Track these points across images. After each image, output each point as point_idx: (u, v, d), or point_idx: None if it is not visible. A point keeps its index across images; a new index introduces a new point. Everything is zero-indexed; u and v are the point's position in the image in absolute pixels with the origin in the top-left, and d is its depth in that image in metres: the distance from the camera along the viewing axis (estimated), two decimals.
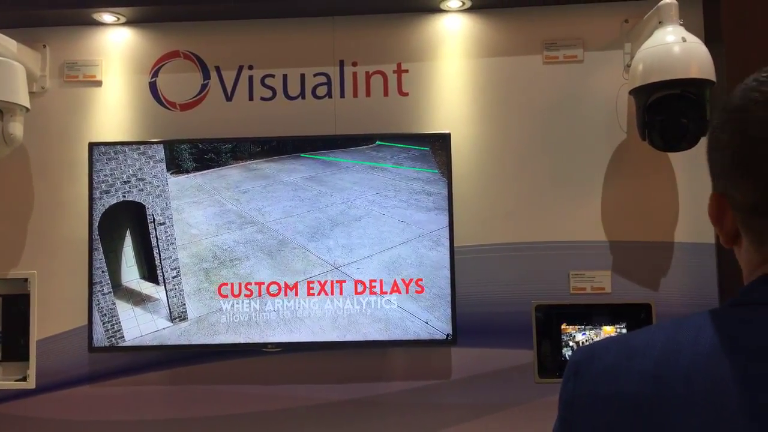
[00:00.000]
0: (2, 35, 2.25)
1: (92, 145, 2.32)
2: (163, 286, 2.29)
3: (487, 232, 2.38)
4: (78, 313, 2.37)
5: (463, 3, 2.38)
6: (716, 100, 2.12)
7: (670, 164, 2.36)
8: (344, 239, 2.28)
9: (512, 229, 2.38)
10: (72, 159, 2.44)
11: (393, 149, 2.31)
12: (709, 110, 2.09)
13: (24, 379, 2.40)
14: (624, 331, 2.31)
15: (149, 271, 2.31)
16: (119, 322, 2.28)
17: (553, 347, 2.33)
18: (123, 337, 2.28)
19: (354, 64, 2.45)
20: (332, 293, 2.27)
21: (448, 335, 2.25)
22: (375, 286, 2.27)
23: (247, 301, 2.28)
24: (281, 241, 2.29)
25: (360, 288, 2.27)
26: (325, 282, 2.27)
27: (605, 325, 2.32)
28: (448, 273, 2.26)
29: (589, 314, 2.33)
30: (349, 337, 2.26)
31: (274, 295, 2.27)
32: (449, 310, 2.25)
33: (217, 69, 2.47)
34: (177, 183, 2.31)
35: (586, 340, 2.32)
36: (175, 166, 2.31)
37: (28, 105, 2.28)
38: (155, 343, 2.28)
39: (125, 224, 2.32)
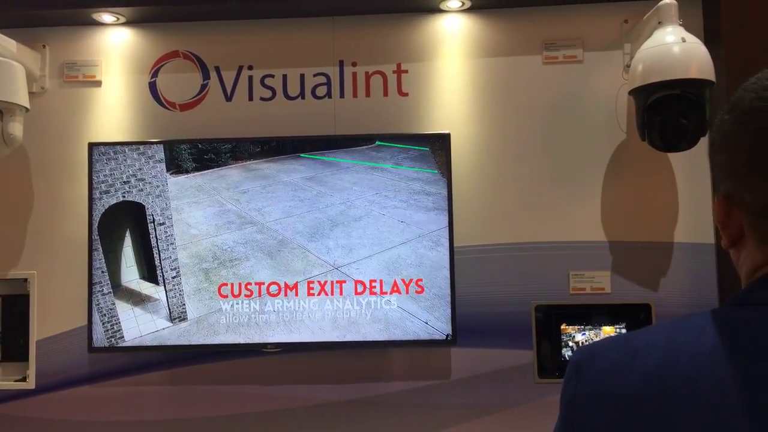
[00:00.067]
0: (2, 35, 2.25)
1: (92, 146, 2.32)
2: (162, 287, 2.29)
3: (487, 233, 2.38)
4: (78, 314, 2.37)
5: (463, 3, 2.38)
6: (716, 101, 2.13)
7: (670, 164, 2.37)
8: (344, 239, 2.28)
9: (512, 230, 2.38)
10: (72, 159, 2.44)
11: (393, 149, 2.32)
12: (709, 110, 2.09)
13: (24, 379, 2.40)
14: (624, 331, 2.31)
15: (149, 271, 2.31)
16: (119, 323, 2.28)
17: (552, 347, 2.33)
18: (123, 337, 2.28)
19: (354, 65, 2.45)
20: (332, 293, 2.27)
21: (447, 335, 2.25)
22: (375, 287, 2.27)
23: (247, 301, 2.28)
24: (281, 242, 2.29)
25: (360, 288, 2.27)
26: (325, 282, 2.27)
27: (605, 325, 2.32)
28: (447, 273, 2.26)
29: (588, 314, 2.33)
30: (348, 338, 2.26)
31: (273, 296, 2.28)
32: (449, 311, 2.25)
33: (217, 69, 2.47)
34: (177, 183, 2.31)
35: (586, 341, 2.32)
36: (175, 166, 2.31)
37: (27, 105, 2.28)
38: (155, 343, 2.28)
39: (125, 224, 2.32)
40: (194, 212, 2.31)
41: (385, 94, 2.44)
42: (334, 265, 2.28)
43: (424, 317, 2.25)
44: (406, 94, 2.43)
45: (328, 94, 2.45)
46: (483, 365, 2.35)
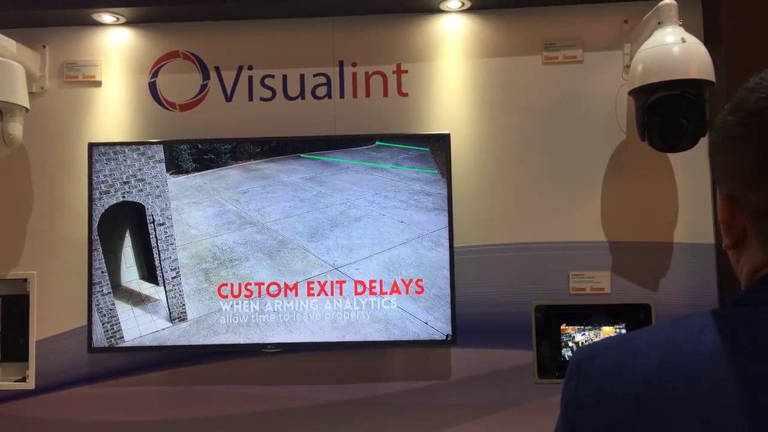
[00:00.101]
0: (2, 35, 2.25)
1: (92, 146, 2.32)
2: (162, 287, 2.29)
3: (487, 233, 2.38)
4: (77, 314, 2.37)
5: (463, 3, 2.38)
6: (716, 101, 2.13)
7: (670, 165, 2.37)
8: (344, 240, 2.28)
9: (512, 230, 2.38)
10: (71, 159, 2.44)
11: (392, 150, 2.32)
12: (709, 111, 2.09)
13: (23, 379, 2.40)
14: (623, 331, 2.31)
15: (149, 271, 2.31)
16: (119, 323, 2.28)
17: (552, 348, 2.33)
18: (122, 337, 2.28)
19: (354, 65, 2.45)
20: (332, 294, 2.27)
21: (447, 336, 2.25)
22: (375, 287, 2.27)
23: (247, 301, 2.28)
24: (281, 242, 2.29)
25: (360, 288, 2.27)
26: (325, 282, 2.27)
27: (605, 325, 2.32)
28: (447, 273, 2.26)
29: (588, 315, 2.33)
30: (348, 338, 2.26)
31: (273, 296, 2.28)
32: (449, 311, 2.25)
33: (217, 69, 2.47)
34: (176, 183, 2.31)
35: (586, 341, 2.32)
36: (175, 166, 2.31)
37: (27, 105, 2.28)
38: (155, 343, 2.28)
39: (125, 225, 2.32)
40: (194, 212, 2.31)
41: (385, 94, 2.44)
42: (334, 266, 2.28)
43: (423, 317, 2.25)
44: (406, 95, 2.43)
45: (328, 95, 2.45)
46: (483, 365, 2.35)
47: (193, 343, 2.28)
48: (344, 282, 2.27)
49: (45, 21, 2.45)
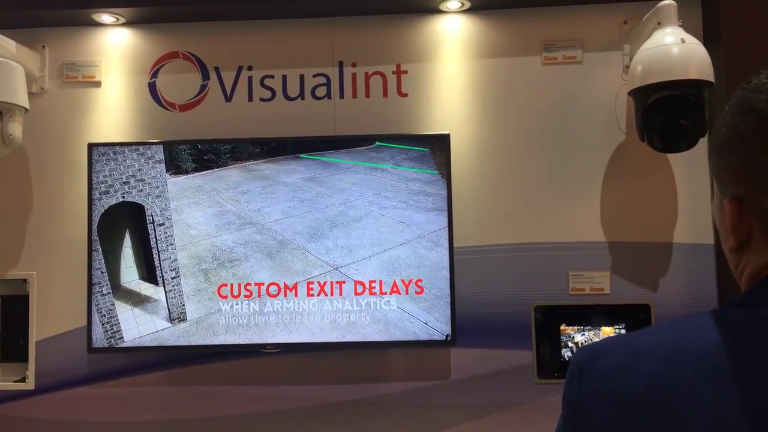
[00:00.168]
0: (1, 36, 2.25)
1: (91, 146, 2.32)
2: (162, 287, 2.29)
3: (487, 233, 2.38)
4: (77, 314, 2.36)
5: (462, 4, 2.38)
6: (715, 101, 2.13)
7: (669, 165, 2.37)
8: (344, 240, 2.28)
9: (511, 230, 2.38)
10: (71, 160, 2.44)
11: (392, 150, 2.32)
12: (708, 111, 2.09)
13: (23, 380, 2.40)
14: (623, 332, 2.31)
15: (148, 271, 2.31)
16: (118, 323, 2.28)
17: (552, 348, 2.33)
18: (122, 337, 2.28)
19: (353, 65, 2.45)
20: (332, 294, 2.27)
21: (447, 336, 2.25)
22: (374, 287, 2.27)
23: (247, 301, 2.28)
24: (281, 242, 2.29)
25: (359, 289, 2.27)
26: (325, 283, 2.27)
27: (604, 325, 2.32)
28: (447, 274, 2.26)
29: (588, 315, 2.33)
30: (348, 338, 2.26)
31: (273, 296, 2.28)
32: (448, 311, 2.25)
33: (217, 70, 2.47)
34: (176, 184, 2.31)
35: (585, 341, 2.32)
36: (175, 166, 2.31)
37: (27, 106, 2.28)
38: (154, 343, 2.28)
39: (124, 225, 2.32)
40: (194, 213, 2.31)
41: (385, 94, 2.44)
42: (334, 266, 2.28)
43: (423, 318, 2.25)
44: (406, 95, 2.43)
45: (328, 95, 2.45)
46: (482, 366, 2.35)
47: (192, 344, 2.28)
48: (344, 282, 2.27)
49: (45, 21, 2.45)
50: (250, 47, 2.47)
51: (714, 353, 0.67)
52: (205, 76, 2.46)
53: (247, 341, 2.27)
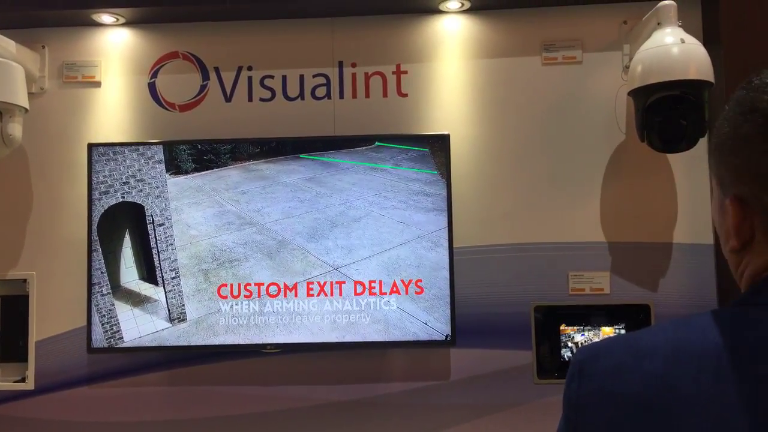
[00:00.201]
0: (1, 36, 2.25)
1: (91, 146, 2.32)
2: (162, 287, 2.29)
3: (486, 233, 2.38)
4: (77, 314, 2.36)
5: (462, 4, 2.38)
6: (715, 102, 2.13)
7: (669, 165, 2.37)
8: (343, 240, 2.28)
9: (511, 230, 2.38)
10: (71, 160, 2.44)
11: (392, 150, 2.32)
12: (708, 111, 2.09)
13: (23, 380, 2.40)
14: (623, 332, 2.31)
15: (148, 272, 2.31)
16: (118, 323, 2.28)
17: (552, 348, 2.33)
18: (122, 338, 2.28)
19: (353, 65, 2.45)
20: (331, 294, 2.27)
21: (447, 336, 2.25)
22: (374, 287, 2.27)
23: (247, 302, 2.28)
24: (280, 242, 2.29)
25: (359, 289, 2.27)
26: (325, 283, 2.27)
27: (604, 326, 2.32)
28: (447, 274, 2.26)
29: (587, 315, 2.33)
30: (348, 338, 2.26)
31: (273, 296, 2.28)
32: (448, 311, 2.25)
33: (216, 70, 2.47)
34: (176, 184, 2.31)
35: (585, 341, 2.32)
36: (174, 167, 2.31)
37: (27, 106, 2.28)
38: (154, 344, 2.28)
39: (124, 225, 2.32)
40: (194, 213, 2.31)
41: (385, 95, 2.44)
42: (334, 266, 2.28)
43: (423, 318, 2.25)
44: (406, 95, 2.43)
45: (328, 95, 2.45)
46: (482, 366, 2.35)
47: (192, 344, 2.28)
48: (344, 282, 2.27)
49: (44, 21, 2.45)
50: (249, 47, 2.47)
51: (716, 353, 0.67)
52: (205, 77, 2.47)
53: (247, 341, 2.27)
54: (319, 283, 2.27)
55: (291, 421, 2.37)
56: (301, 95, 2.45)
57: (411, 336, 2.25)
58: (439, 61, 2.44)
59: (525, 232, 2.38)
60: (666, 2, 2.13)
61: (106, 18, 2.42)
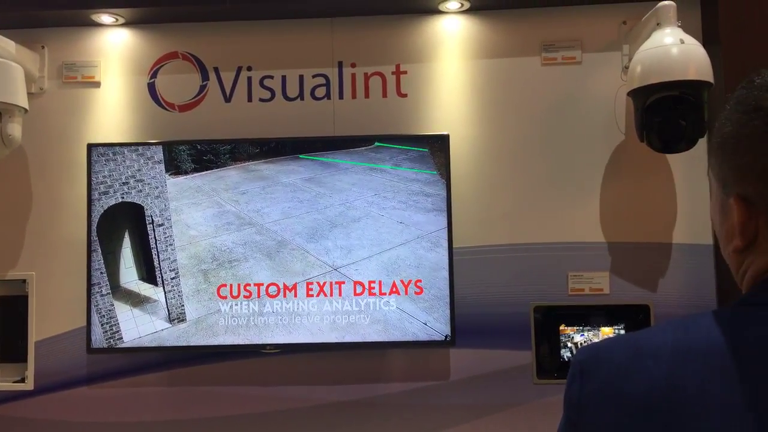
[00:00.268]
0: (1, 36, 2.25)
1: (91, 146, 2.32)
2: (161, 288, 2.29)
3: (486, 234, 2.38)
4: (76, 315, 2.36)
5: (462, 4, 2.38)
6: (714, 102, 2.13)
7: (668, 166, 2.37)
8: (343, 240, 2.28)
9: (511, 231, 2.38)
10: (70, 160, 2.44)
11: (392, 150, 2.32)
12: (707, 112, 2.09)
13: (22, 380, 2.40)
14: (622, 332, 2.32)
15: (148, 272, 2.31)
16: (118, 324, 2.28)
17: (551, 348, 2.34)
18: (121, 338, 2.28)
19: (353, 66, 2.45)
20: (331, 294, 2.27)
21: (446, 336, 2.25)
22: (374, 288, 2.27)
23: (246, 302, 2.28)
24: (280, 243, 2.29)
25: (359, 289, 2.27)
26: (324, 283, 2.27)
27: (603, 326, 2.32)
28: (446, 274, 2.26)
29: (587, 315, 2.33)
30: (348, 339, 2.26)
31: (273, 297, 2.28)
32: (448, 311, 2.25)
33: (216, 70, 2.47)
34: (176, 184, 2.31)
35: (585, 342, 2.32)
36: (174, 167, 2.31)
37: (26, 106, 2.28)
38: (154, 344, 2.28)
39: (124, 225, 2.32)
40: (193, 213, 2.31)
41: (384, 95, 2.44)
42: (333, 266, 2.28)
43: (423, 318, 2.25)
44: (405, 96, 2.43)
45: (327, 95, 2.45)
46: (482, 366, 2.35)
47: (192, 344, 2.27)
48: (343, 283, 2.27)
49: (44, 21, 2.45)
50: (249, 47, 2.47)
51: (720, 353, 0.67)
52: (205, 77, 2.47)
53: (247, 342, 2.27)
54: (318, 283, 2.27)
55: (291, 422, 2.37)
56: (301, 95, 2.45)
57: (410, 336, 2.25)
58: (438, 62, 2.44)
59: (524, 232, 2.38)
60: (665, 2, 2.13)
61: (105, 18, 2.42)
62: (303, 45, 2.46)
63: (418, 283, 2.27)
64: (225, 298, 2.28)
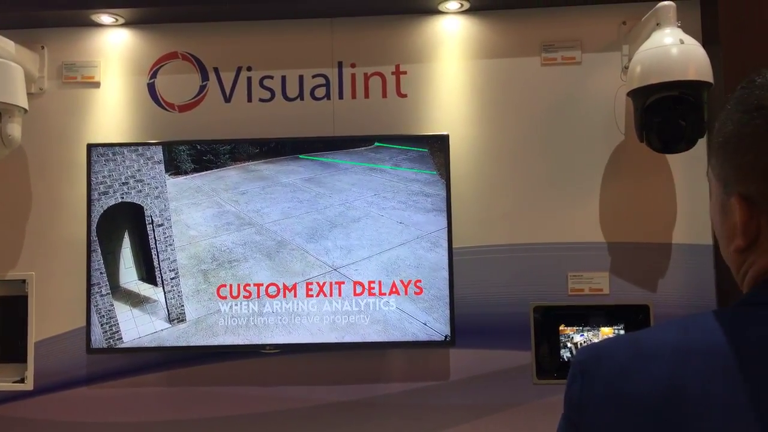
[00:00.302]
0: (0, 36, 2.25)
1: (90, 147, 2.32)
2: (161, 288, 2.29)
3: (486, 234, 2.38)
4: (76, 315, 2.36)
5: (462, 5, 2.38)
6: (714, 102, 2.13)
7: (668, 166, 2.37)
8: (343, 240, 2.28)
9: (510, 231, 2.38)
10: (70, 160, 2.44)
11: (391, 150, 2.32)
12: (707, 112, 2.09)
13: (22, 380, 2.40)
14: (622, 332, 2.32)
15: (147, 272, 2.31)
16: (117, 324, 2.28)
17: (551, 348, 2.34)
18: (121, 338, 2.28)
19: (352, 66, 2.45)
20: (331, 295, 2.27)
21: (446, 336, 2.25)
22: (374, 288, 2.27)
23: (246, 302, 2.28)
24: (280, 243, 2.29)
25: (359, 289, 2.27)
26: (324, 283, 2.27)
27: (603, 326, 2.32)
28: (446, 274, 2.26)
29: (587, 315, 2.33)
30: (347, 339, 2.26)
31: (272, 297, 2.28)
32: (448, 312, 2.25)
33: (216, 70, 2.47)
34: (175, 184, 2.31)
35: (584, 342, 2.32)
36: (174, 167, 2.31)
37: (26, 106, 2.28)
38: (153, 344, 2.28)
39: (124, 225, 2.32)
40: (193, 213, 2.31)
41: (384, 95, 2.44)
42: (333, 267, 2.28)
43: (422, 318, 2.25)
44: (405, 96, 2.43)
45: (327, 96, 2.45)
46: (482, 366, 2.35)
47: (191, 344, 2.27)
48: (343, 283, 2.27)
49: (44, 22, 2.45)
50: (249, 48, 2.47)
51: (722, 353, 0.67)
52: (205, 77, 2.47)
53: (247, 342, 2.27)
54: (318, 283, 2.27)
55: (290, 422, 2.37)
56: (301, 96, 2.45)
57: (410, 336, 2.25)
58: (438, 62, 2.44)
59: (524, 232, 2.38)
60: (665, 3, 2.13)
61: (105, 18, 2.42)
62: (303, 45, 2.46)
63: (417, 284, 2.27)
64: (225, 298, 2.28)
